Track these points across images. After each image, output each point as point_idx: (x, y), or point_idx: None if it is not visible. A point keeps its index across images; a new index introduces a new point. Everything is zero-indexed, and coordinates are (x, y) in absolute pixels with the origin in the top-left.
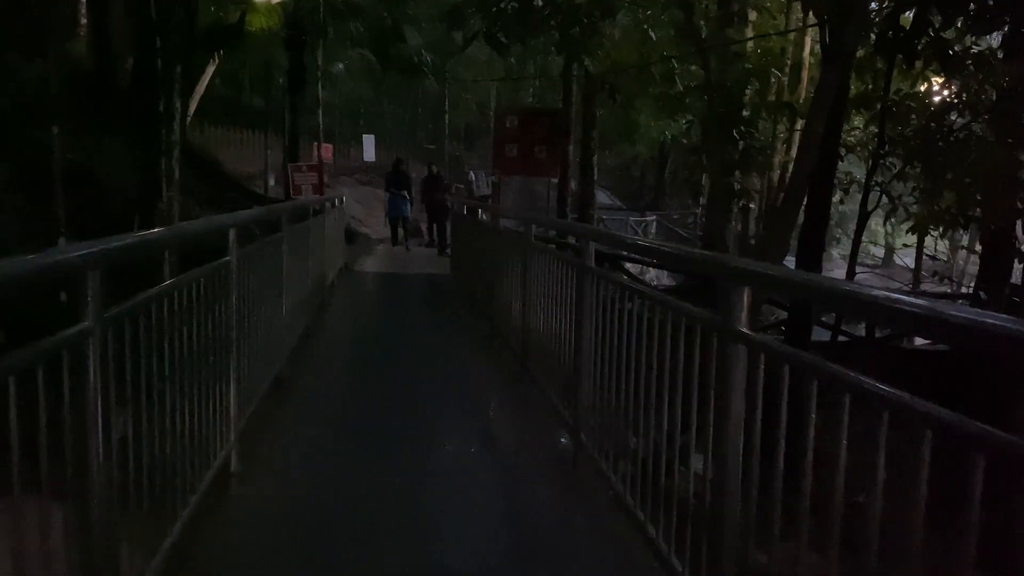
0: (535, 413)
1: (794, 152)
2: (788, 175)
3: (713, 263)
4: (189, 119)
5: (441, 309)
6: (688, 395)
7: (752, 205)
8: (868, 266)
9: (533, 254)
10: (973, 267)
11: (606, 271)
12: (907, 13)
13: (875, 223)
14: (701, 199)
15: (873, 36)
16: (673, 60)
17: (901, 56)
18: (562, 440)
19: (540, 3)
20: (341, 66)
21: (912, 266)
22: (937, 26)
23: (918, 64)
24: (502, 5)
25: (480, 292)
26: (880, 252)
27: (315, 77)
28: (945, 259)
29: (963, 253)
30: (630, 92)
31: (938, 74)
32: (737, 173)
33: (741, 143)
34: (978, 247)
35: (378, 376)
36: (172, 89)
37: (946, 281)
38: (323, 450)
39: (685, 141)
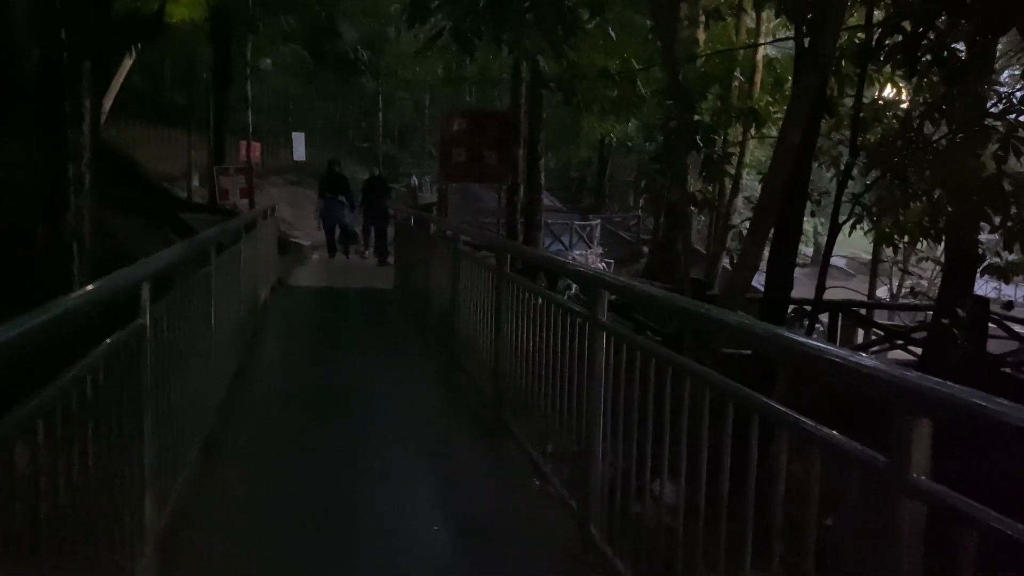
0: (521, 486)
1: (747, 159)
2: (742, 182)
3: (870, 376)
4: (105, 117)
5: (390, 334)
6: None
7: (701, 215)
8: (798, 265)
9: (512, 289)
10: (915, 268)
11: (632, 334)
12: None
13: (805, 221)
14: (641, 202)
15: (845, 39)
16: (633, 61)
17: (902, 63)
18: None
19: None
20: (268, 61)
21: (839, 264)
22: (939, 32)
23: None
24: None
25: (433, 315)
26: (809, 251)
27: (243, 73)
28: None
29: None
30: (586, 95)
31: (909, 80)
32: (697, 181)
33: (704, 150)
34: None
35: (323, 429)
36: (80, 86)
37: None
38: (260, 545)
39: (629, 144)
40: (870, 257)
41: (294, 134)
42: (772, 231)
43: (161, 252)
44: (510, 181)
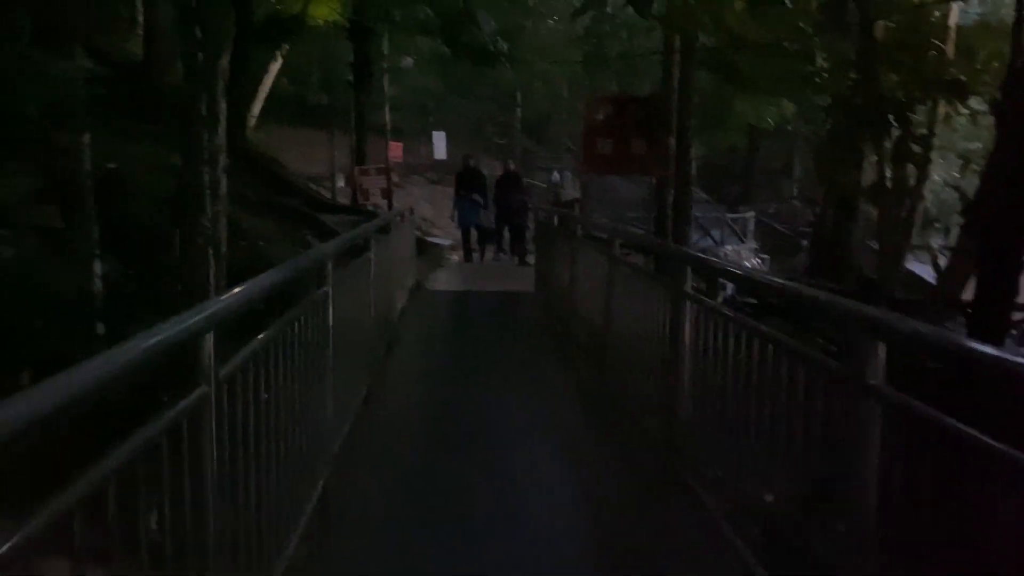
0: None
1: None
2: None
3: None
4: (254, 120)
5: (531, 349)
6: None
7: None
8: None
9: (697, 316)
10: None
11: (925, 408)
12: None
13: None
14: (795, 191)
15: None
16: (810, 30)
17: None
18: None
19: None
20: (410, 60)
21: None
22: None
23: None
24: None
25: (580, 328)
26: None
27: (381, 69)
28: None
29: None
30: (748, 71)
31: None
32: (876, 167)
33: (897, 130)
34: None
35: (454, 475)
36: (216, 87)
37: None
38: None
39: (789, 127)
40: None
41: (434, 133)
42: (990, 224)
43: (237, 290)
44: (662, 172)
